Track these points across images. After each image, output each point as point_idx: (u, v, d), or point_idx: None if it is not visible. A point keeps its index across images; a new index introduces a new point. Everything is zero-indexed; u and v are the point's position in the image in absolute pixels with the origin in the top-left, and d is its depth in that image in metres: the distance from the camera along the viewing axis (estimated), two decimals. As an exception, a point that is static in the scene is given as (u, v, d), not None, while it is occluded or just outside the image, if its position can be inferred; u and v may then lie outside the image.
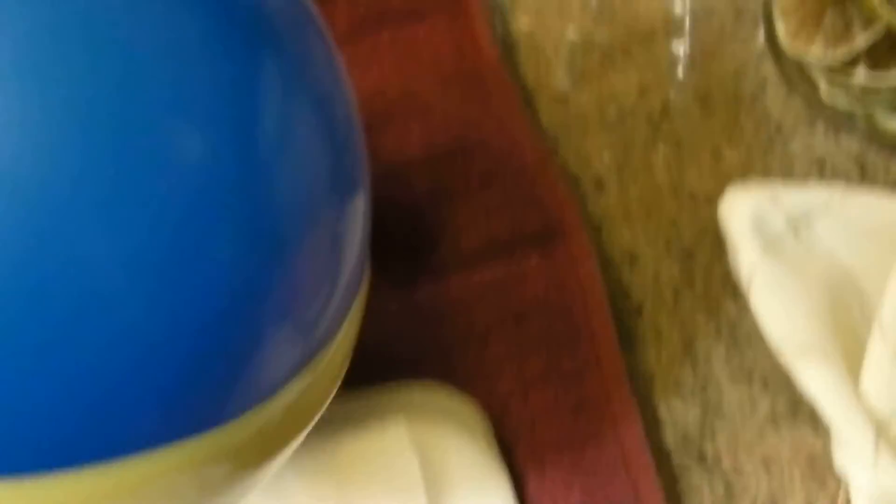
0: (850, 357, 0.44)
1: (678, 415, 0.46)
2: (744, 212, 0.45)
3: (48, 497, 0.26)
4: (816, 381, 0.42)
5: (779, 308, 0.43)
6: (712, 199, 0.49)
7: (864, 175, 0.50)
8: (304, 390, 0.30)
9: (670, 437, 0.46)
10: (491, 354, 0.46)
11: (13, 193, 0.23)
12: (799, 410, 0.46)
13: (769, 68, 0.53)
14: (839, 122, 0.52)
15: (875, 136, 0.52)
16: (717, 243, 0.49)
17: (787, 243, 0.45)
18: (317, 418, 0.32)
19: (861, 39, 0.49)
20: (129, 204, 0.24)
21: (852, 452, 0.41)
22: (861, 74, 0.50)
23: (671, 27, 0.54)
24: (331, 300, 0.30)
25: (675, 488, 0.45)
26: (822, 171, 0.50)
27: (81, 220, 0.24)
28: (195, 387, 0.27)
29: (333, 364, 0.32)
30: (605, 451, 0.44)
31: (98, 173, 0.24)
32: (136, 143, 0.24)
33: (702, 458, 0.46)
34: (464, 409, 0.45)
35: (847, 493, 0.43)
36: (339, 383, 0.33)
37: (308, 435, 0.33)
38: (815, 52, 0.50)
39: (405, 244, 0.48)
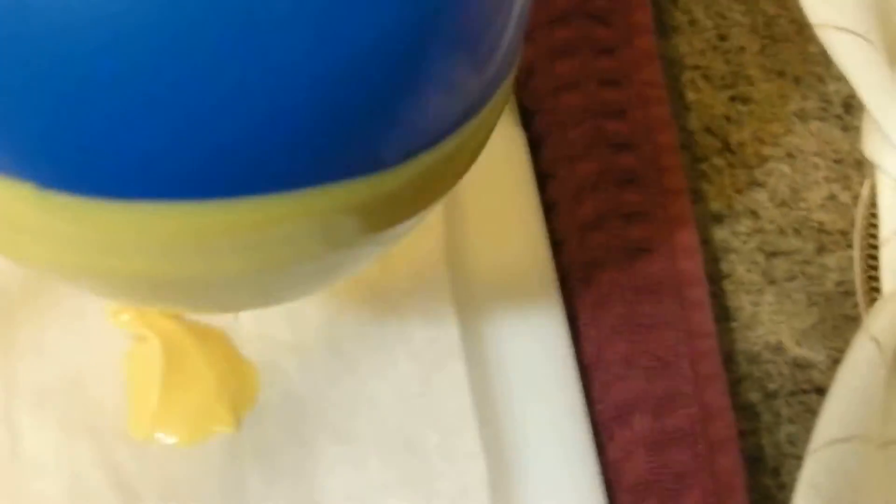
0: (890, 49, 0.43)
1: (706, 101, 0.45)
2: None
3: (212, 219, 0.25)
4: (853, 54, 0.40)
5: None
6: None
7: None
8: (458, 147, 0.28)
9: (695, 123, 0.44)
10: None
11: None
12: (829, 111, 0.45)
13: None
14: None
15: None
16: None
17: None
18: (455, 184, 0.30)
19: None
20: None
21: (884, 133, 0.40)
22: None
23: None
24: (505, 32, 0.27)
25: (696, 168, 0.43)
26: None
27: None
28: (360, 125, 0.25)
29: (490, 120, 0.29)
30: (630, 122, 0.43)
31: None
32: None
33: (726, 144, 0.44)
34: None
35: (873, 187, 0.42)
36: (484, 146, 0.30)
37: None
38: None
39: None
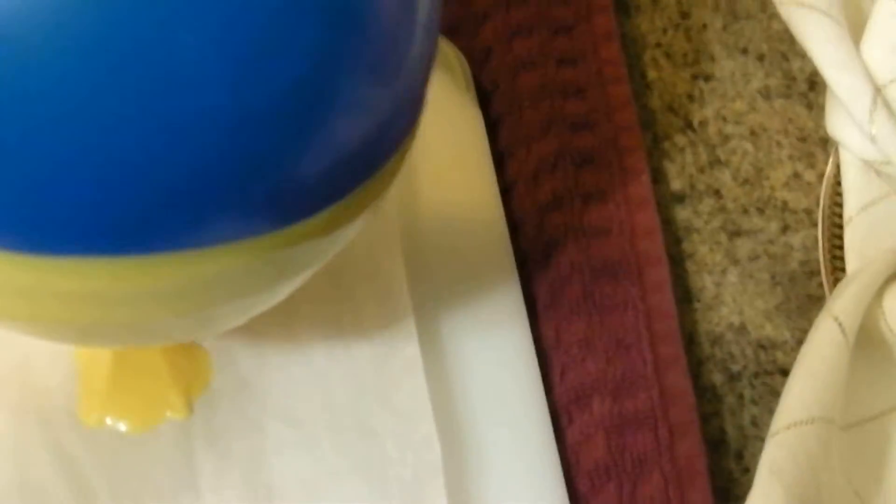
0: (852, 26, 0.42)
1: (667, 79, 0.44)
2: None
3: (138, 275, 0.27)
4: (816, 31, 0.39)
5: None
6: None
7: None
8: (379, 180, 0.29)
9: (657, 102, 0.44)
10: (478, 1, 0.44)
11: None
12: (794, 88, 0.44)
13: None
14: None
15: None
16: None
17: None
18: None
19: None
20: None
21: (847, 111, 0.39)
22: None
23: None
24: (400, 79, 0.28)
25: (658, 148, 0.43)
26: None
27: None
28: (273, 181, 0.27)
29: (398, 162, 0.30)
30: (589, 102, 0.42)
31: None
32: None
33: (688, 123, 0.43)
34: (445, 53, 0.43)
35: (836, 165, 0.41)
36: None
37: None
38: None
39: None
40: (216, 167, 0.26)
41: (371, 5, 0.27)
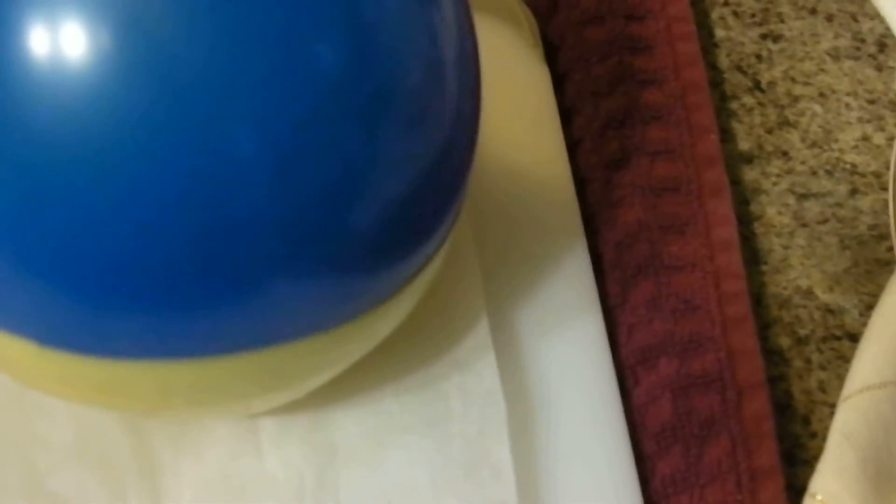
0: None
1: (735, 38, 0.43)
2: None
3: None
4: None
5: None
6: None
7: None
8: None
9: (725, 61, 0.43)
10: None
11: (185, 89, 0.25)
12: (863, 49, 0.43)
13: None
14: None
15: None
16: None
17: None
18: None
19: None
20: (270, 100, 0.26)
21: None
22: None
23: None
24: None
25: (725, 108, 0.42)
26: None
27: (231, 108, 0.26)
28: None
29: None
30: (657, 58, 0.41)
31: (250, 76, 0.26)
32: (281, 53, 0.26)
33: (756, 83, 0.43)
34: (511, 6, 0.42)
35: (907, 128, 0.40)
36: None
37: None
38: None
39: None
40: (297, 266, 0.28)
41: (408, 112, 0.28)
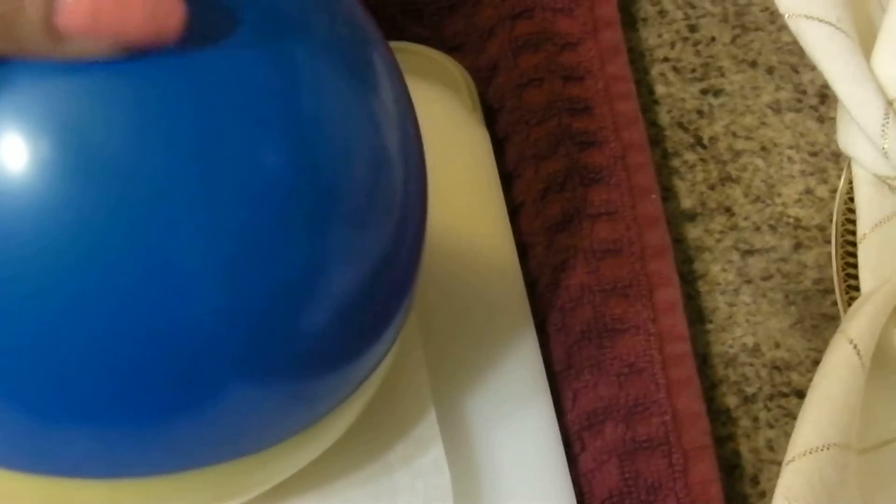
0: (863, 39, 0.41)
1: (676, 94, 0.43)
2: None
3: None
4: (825, 44, 0.38)
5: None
6: None
7: None
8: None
9: (666, 117, 0.43)
10: (482, 16, 0.43)
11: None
12: (805, 102, 0.43)
13: None
14: None
15: None
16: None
17: None
18: None
19: None
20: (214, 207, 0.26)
21: (858, 126, 0.38)
22: None
23: None
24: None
25: (667, 166, 0.42)
26: None
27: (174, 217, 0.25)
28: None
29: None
30: (597, 119, 0.41)
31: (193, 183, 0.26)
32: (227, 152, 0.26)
33: (698, 139, 0.43)
34: (450, 70, 0.42)
35: (849, 181, 0.40)
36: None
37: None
38: None
39: None
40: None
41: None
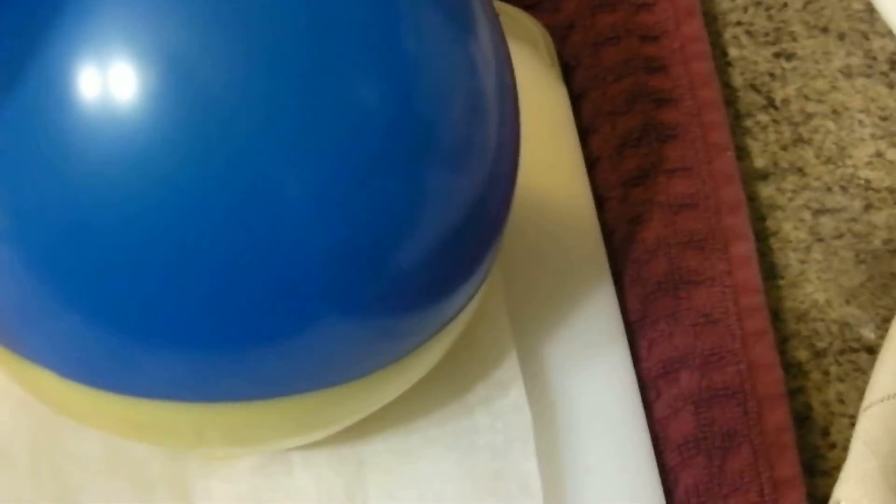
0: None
1: (749, 57, 0.44)
2: None
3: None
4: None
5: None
6: None
7: None
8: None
9: (739, 79, 0.44)
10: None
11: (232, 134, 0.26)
12: (875, 67, 0.44)
13: None
14: None
15: None
16: None
17: None
18: None
19: None
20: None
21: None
22: None
23: None
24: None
25: (740, 126, 0.43)
26: None
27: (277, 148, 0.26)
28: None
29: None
30: (672, 77, 0.42)
31: (296, 115, 0.26)
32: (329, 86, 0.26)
33: (770, 101, 0.43)
34: (528, 28, 0.43)
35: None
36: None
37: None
38: None
39: None
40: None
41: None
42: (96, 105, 0.26)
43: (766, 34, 0.45)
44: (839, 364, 0.39)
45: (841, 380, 0.38)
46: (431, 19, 0.29)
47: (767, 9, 0.45)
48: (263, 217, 0.26)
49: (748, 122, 0.43)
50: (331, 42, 0.27)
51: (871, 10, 0.40)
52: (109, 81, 0.26)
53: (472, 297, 0.31)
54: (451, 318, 0.31)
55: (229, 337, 0.28)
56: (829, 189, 0.42)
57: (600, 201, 0.40)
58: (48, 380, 0.29)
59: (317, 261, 0.27)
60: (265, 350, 0.28)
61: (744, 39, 0.44)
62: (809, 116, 0.43)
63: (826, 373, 0.39)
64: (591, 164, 0.40)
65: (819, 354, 0.39)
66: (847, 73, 0.44)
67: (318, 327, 0.28)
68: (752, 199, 0.41)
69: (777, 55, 0.44)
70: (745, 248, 0.39)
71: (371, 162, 0.27)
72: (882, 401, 0.34)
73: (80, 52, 0.26)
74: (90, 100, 0.26)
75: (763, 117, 0.43)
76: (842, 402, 0.38)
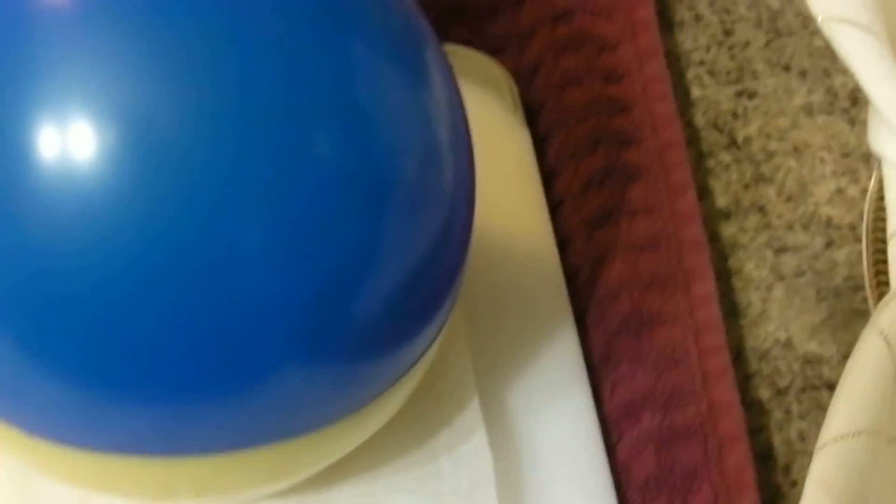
0: (894, 42, 0.42)
1: (711, 96, 0.45)
2: None
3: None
4: (857, 47, 0.40)
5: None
6: None
7: None
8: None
9: (701, 119, 0.44)
10: (523, 19, 0.44)
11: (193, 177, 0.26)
12: (836, 104, 0.45)
13: None
14: None
15: None
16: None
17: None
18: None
19: None
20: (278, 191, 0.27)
21: (889, 127, 0.39)
22: None
23: None
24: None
25: (702, 166, 0.43)
26: None
27: (238, 204, 0.26)
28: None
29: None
30: (635, 118, 0.43)
31: (257, 171, 0.26)
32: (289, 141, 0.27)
33: (732, 140, 0.44)
34: (491, 72, 0.43)
35: (879, 181, 0.41)
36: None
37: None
38: None
39: None
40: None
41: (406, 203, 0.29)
42: (54, 164, 0.26)
43: (728, 73, 0.45)
44: (800, 402, 0.39)
45: (802, 417, 0.39)
46: (387, 72, 0.29)
47: (730, 48, 0.46)
48: (222, 272, 0.27)
49: (710, 162, 0.43)
50: (289, 97, 0.27)
51: (831, 47, 0.41)
52: (67, 139, 0.26)
53: (433, 341, 0.32)
54: (413, 364, 0.31)
55: (191, 390, 0.28)
56: (790, 227, 0.42)
57: (564, 243, 0.40)
58: (13, 435, 0.29)
59: (277, 312, 0.27)
60: (228, 403, 0.28)
61: (706, 79, 0.45)
62: (771, 155, 0.44)
63: (788, 411, 0.39)
64: (556, 205, 0.41)
65: (781, 392, 0.40)
66: (808, 110, 0.45)
67: (280, 378, 0.28)
68: (715, 238, 0.42)
69: (739, 94, 0.45)
70: (705, 287, 0.40)
71: (328, 214, 0.27)
72: (836, 440, 0.35)
73: (37, 109, 0.26)
74: (48, 159, 0.26)
75: (725, 156, 0.44)
76: (803, 439, 0.39)
